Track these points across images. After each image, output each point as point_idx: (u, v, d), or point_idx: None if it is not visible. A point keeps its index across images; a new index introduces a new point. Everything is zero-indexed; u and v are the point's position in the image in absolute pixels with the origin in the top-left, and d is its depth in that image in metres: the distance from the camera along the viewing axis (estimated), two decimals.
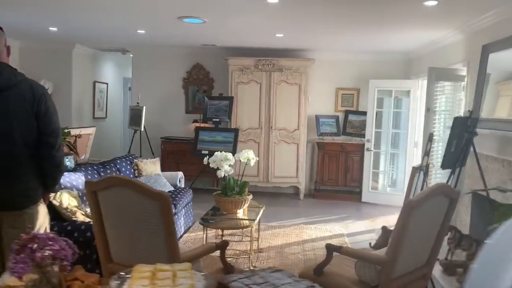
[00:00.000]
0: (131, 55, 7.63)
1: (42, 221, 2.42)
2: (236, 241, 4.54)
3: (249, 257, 3.92)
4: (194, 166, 6.77)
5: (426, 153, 4.32)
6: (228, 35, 5.85)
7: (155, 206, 2.24)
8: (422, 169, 4.06)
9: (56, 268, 1.12)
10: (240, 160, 4.15)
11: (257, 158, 4.25)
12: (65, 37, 6.45)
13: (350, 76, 7.16)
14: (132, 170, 4.64)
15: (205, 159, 4.06)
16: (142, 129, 6.82)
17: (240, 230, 4.56)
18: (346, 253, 2.52)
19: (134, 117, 7.05)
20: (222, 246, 2.57)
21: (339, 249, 2.54)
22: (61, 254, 1.08)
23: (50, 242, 1.08)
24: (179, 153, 7.06)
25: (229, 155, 4.02)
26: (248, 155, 4.11)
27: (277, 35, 5.66)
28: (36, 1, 4.31)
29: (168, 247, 2.28)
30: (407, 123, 6.54)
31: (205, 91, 7.43)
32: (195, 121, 7.26)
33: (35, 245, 1.07)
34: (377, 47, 6.42)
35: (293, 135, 6.86)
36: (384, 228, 3.46)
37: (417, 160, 6.34)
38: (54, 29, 5.75)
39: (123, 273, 1.10)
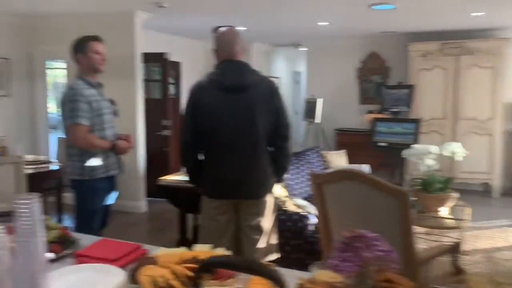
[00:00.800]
0: (304, 49, 7.75)
1: (272, 210, 2.56)
2: (432, 241, 4.21)
3: (458, 260, 3.58)
4: (370, 158, 6.53)
5: None
6: (415, 19, 5.46)
7: (391, 203, 2.14)
8: None
9: (374, 269, 1.09)
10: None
11: (468, 152, 3.85)
12: (247, 36, 6.84)
13: None
14: (321, 162, 4.67)
15: (405, 152, 3.83)
16: (318, 121, 6.88)
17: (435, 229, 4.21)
18: None
19: (309, 109, 7.16)
20: (455, 248, 2.35)
21: None
22: (389, 256, 1.04)
23: (376, 242, 1.05)
24: (354, 145, 6.90)
25: (433, 148, 3.71)
26: (453, 149, 3.75)
27: (473, 14, 5.06)
28: (234, 4, 4.63)
29: (404, 248, 2.16)
30: None
31: (371, 81, 7.14)
32: (370, 112, 7.03)
33: (362, 244, 1.06)
34: None
35: (486, 125, 6.11)
36: None
37: None
38: (243, 28, 6.12)
39: None
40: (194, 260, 1.16)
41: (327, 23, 5.68)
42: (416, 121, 6.21)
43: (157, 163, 5.71)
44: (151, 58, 5.66)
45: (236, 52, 2.38)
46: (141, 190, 5.35)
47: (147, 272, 1.09)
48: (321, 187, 2.47)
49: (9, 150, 4.98)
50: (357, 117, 7.19)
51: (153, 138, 5.67)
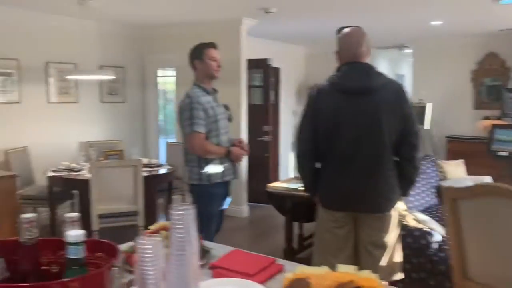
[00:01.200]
0: (409, 50, 7.29)
1: (396, 225, 2.35)
2: None
3: None
4: (486, 169, 5.91)
5: None
6: None
7: None
8: None
9: None
10: None
11: None
12: None
13: None
14: (437, 173, 4.30)
15: None
16: (427, 127, 6.41)
17: None
18: None
19: (416, 114, 6.69)
20: None
21: None
22: None
23: None
24: (468, 154, 6.29)
25: None
26: None
27: None
28: (343, 6, 4.46)
29: None
30: None
31: (486, 84, 6.46)
32: (487, 117, 6.38)
33: None
34: None
35: None
36: None
37: None
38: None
39: None
40: (351, 286, 1.03)
41: (441, 22, 5.26)
42: None
43: (258, 168, 5.73)
44: (253, 64, 5.71)
45: (361, 54, 2.24)
46: (243, 195, 5.39)
47: None
48: (456, 202, 2.21)
49: (124, 154, 5.32)
50: (471, 123, 6.56)
51: (254, 143, 5.69)
